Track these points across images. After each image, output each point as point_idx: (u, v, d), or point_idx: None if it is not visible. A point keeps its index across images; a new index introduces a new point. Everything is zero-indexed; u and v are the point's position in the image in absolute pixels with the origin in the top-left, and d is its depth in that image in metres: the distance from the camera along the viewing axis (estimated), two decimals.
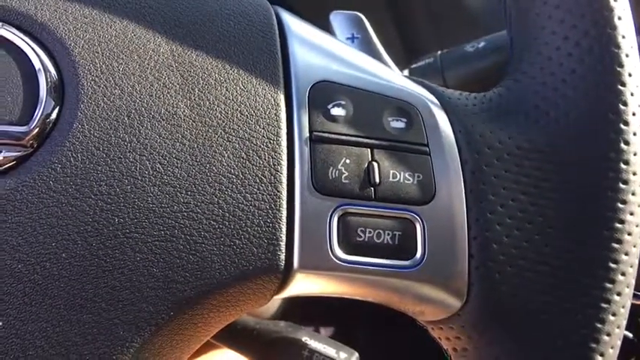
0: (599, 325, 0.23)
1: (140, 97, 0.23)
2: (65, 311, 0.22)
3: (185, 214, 0.23)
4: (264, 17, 0.27)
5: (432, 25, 0.65)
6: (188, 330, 0.23)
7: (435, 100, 0.26)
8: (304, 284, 0.24)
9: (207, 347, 0.42)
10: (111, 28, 0.24)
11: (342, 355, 0.35)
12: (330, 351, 0.35)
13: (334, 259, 0.23)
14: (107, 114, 0.23)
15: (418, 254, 0.24)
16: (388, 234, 0.24)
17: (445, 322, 0.25)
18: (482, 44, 0.44)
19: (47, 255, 0.22)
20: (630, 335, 0.50)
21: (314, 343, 0.35)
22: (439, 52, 0.46)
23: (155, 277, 0.22)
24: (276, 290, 0.24)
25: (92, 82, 0.23)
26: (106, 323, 0.22)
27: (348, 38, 0.38)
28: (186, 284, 0.22)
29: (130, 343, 0.22)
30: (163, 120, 0.23)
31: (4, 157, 0.22)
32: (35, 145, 0.22)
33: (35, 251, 0.22)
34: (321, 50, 0.27)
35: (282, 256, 0.23)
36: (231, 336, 0.37)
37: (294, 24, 0.28)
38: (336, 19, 0.39)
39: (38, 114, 0.23)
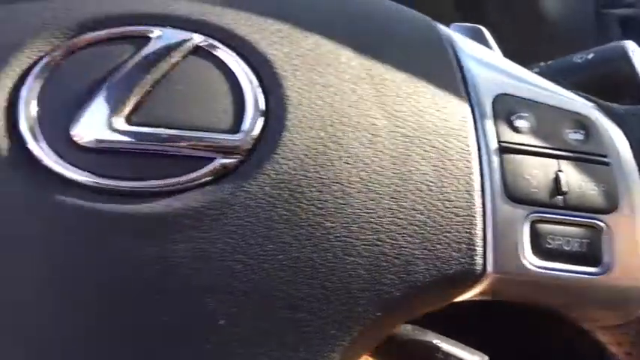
0: None
1: (340, 108, 0.25)
2: (282, 310, 0.23)
3: (389, 219, 0.24)
4: (433, 33, 0.28)
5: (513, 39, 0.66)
6: (386, 329, 0.25)
7: (603, 112, 0.28)
8: (495, 288, 0.25)
9: None
10: (304, 42, 0.26)
11: (476, 358, 0.36)
12: (464, 354, 0.36)
13: (527, 264, 0.24)
14: (312, 123, 0.24)
15: (605, 261, 0.25)
16: (577, 241, 0.25)
17: (620, 328, 0.26)
18: (591, 56, 0.44)
19: (265, 256, 0.23)
20: None
21: (446, 346, 0.36)
22: (542, 64, 0.47)
23: (363, 279, 0.23)
24: (467, 293, 0.25)
25: (296, 93, 0.25)
26: (319, 322, 0.23)
27: None
28: (393, 286, 0.23)
29: (340, 342, 0.23)
30: (364, 130, 0.24)
31: (220, 164, 0.24)
32: (247, 153, 0.24)
33: (254, 252, 0.23)
34: (490, 65, 0.28)
35: (480, 261, 0.24)
36: None
37: (460, 39, 0.29)
38: (458, 30, 0.40)
39: (247, 123, 0.24)
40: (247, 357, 0.23)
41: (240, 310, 0.23)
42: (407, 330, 0.39)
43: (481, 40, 0.41)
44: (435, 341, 0.37)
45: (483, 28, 0.40)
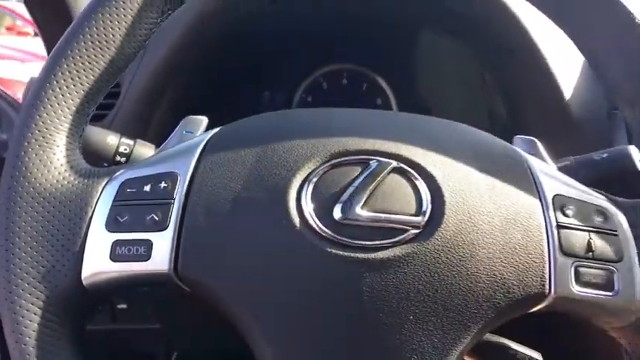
0: None
1: (472, 203, 0.46)
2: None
3: (499, 266, 0.45)
4: (518, 158, 0.50)
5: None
6: (484, 333, 0.46)
7: (613, 204, 0.49)
8: (552, 305, 0.46)
9: None
10: (459, 171, 0.47)
11: (535, 354, 0.56)
12: (526, 351, 0.56)
13: (572, 289, 0.45)
14: (458, 212, 0.45)
15: (615, 288, 0.45)
16: (600, 277, 0.45)
17: (624, 328, 0.47)
18: (605, 155, 0.66)
19: (441, 294, 0.44)
20: None
21: (514, 345, 0.56)
22: (571, 158, 0.68)
23: (479, 300, 0.44)
24: (538, 307, 0.46)
25: (449, 195, 0.46)
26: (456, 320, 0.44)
27: None
28: (497, 304, 0.44)
29: (464, 338, 0.44)
30: (484, 215, 0.46)
31: (411, 233, 0.45)
32: (423, 228, 0.45)
33: (432, 287, 0.44)
34: (550, 175, 0.49)
35: (547, 288, 0.45)
36: None
37: (532, 159, 0.50)
38: (519, 141, 0.59)
39: (425, 211, 0.45)
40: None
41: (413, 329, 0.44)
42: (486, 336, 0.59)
43: (535, 148, 0.61)
44: (506, 342, 0.58)
45: (537, 141, 0.61)
